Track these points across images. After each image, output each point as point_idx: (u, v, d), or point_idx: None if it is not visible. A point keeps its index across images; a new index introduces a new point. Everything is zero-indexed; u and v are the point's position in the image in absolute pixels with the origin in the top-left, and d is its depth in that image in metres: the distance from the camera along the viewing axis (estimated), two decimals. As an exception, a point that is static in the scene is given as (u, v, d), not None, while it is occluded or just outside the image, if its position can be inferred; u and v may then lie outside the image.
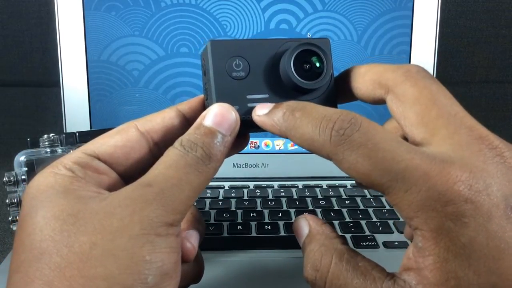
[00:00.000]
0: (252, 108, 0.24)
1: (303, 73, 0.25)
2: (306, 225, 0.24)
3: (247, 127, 0.25)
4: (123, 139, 0.24)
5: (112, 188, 0.23)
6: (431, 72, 0.51)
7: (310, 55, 0.25)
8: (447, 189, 0.18)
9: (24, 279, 0.18)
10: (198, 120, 0.23)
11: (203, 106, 0.27)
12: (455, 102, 0.21)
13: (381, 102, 0.24)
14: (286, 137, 0.23)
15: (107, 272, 0.18)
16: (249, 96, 0.25)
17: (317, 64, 0.25)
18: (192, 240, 0.24)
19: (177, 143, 0.22)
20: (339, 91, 0.26)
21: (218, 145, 0.22)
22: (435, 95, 0.21)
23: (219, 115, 0.23)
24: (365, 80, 0.24)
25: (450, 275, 0.18)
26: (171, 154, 0.21)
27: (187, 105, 0.26)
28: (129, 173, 0.24)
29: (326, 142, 0.20)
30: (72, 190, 0.20)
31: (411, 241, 0.20)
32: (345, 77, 0.26)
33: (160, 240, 0.19)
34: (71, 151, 0.33)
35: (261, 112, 0.24)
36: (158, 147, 0.25)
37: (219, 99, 0.24)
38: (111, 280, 0.18)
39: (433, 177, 0.18)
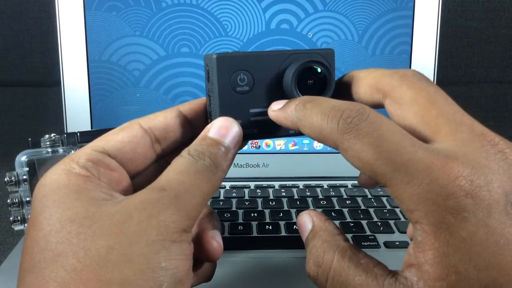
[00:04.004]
0: (255, 121, 0.26)
1: (306, 88, 0.25)
2: (309, 221, 0.24)
3: (250, 139, 0.26)
4: (128, 135, 0.24)
5: (121, 185, 0.23)
6: (432, 72, 0.51)
7: (313, 67, 0.26)
8: (449, 183, 0.18)
9: (38, 280, 0.18)
10: (203, 133, 0.24)
11: (205, 109, 0.28)
12: (453, 102, 0.22)
13: (380, 106, 0.24)
14: (298, 128, 0.23)
15: (123, 277, 0.18)
16: (252, 110, 0.26)
17: (318, 70, 0.26)
18: (218, 239, 0.25)
19: (184, 153, 0.22)
20: (340, 96, 0.27)
21: (223, 156, 0.23)
22: (433, 95, 0.22)
23: (223, 128, 0.24)
24: (363, 85, 0.25)
25: (451, 270, 0.18)
26: (181, 162, 0.22)
27: (188, 106, 0.27)
28: (135, 170, 0.25)
29: (333, 130, 0.21)
30: (85, 190, 0.20)
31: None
32: (344, 81, 0.26)
33: (175, 246, 0.19)
34: (72, 151, 0.33)
35: (276, 107, 0.25)
36: (160, 145, 0.26)
37: (223, 113, 0.25)
38: (127, 286, 0.18)
39: (435, 171, 0.19)
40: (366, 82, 0.25)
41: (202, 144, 0.23)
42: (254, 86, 0.25)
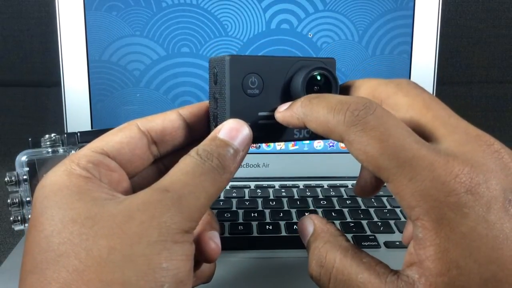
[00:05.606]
0: (262, 125, 0.26)
1: (312, 92, 0.26)
2: (311, 224, 0.24)
3: (257, 142, 0.26)
4: (127, 136, 0.24)
5: (121, 186, 0.23)
6: (432, 72, 0.51)
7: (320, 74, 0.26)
8: (450, 180, 0.19)
9: (40, 281, 0.18)
10: (212, 133, 0.24)
11: (206, 113, 0.27)
12: (447, 107, 0.23)
13: None
14: (304, 124, 0.23)
15: (124, 278, 0.18)
16: (260, 113, 0.26)
17: (318, 77, 0.26)
18: (216, 240, 0.25)
19: (193, 152, 0.22)
20: None
21: (231, 158, 0.22)
22: (428, 101, 0.23)
23: (234, 130, 0.23)
24: (359, 93, 0.26)
25: (452, 265, 0.18)
26: (188, 162, 0.22)
27: (188, 109, 0.27)
28: (134, 171, 0.25)
29: (340, 122, 0.21)
30: (87, 191, 0.20)
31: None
32: (342, 90, 0.27)
33: (176, 247, 0.19)
34: (73, 151, 0.33)
35: (282, 108, 0.25)
36: (157, 147, 0.26)
37: (233, 115, 0.25)
38: (128, 286, 0.18)
39: (438, 168, 0.19)
40: (362, 90, 0.25)
41: (211, 144, 0.22)
42: (263, 89, 0.25)
